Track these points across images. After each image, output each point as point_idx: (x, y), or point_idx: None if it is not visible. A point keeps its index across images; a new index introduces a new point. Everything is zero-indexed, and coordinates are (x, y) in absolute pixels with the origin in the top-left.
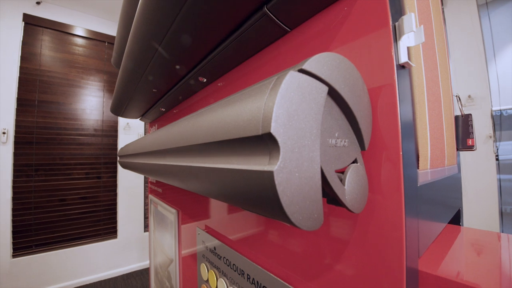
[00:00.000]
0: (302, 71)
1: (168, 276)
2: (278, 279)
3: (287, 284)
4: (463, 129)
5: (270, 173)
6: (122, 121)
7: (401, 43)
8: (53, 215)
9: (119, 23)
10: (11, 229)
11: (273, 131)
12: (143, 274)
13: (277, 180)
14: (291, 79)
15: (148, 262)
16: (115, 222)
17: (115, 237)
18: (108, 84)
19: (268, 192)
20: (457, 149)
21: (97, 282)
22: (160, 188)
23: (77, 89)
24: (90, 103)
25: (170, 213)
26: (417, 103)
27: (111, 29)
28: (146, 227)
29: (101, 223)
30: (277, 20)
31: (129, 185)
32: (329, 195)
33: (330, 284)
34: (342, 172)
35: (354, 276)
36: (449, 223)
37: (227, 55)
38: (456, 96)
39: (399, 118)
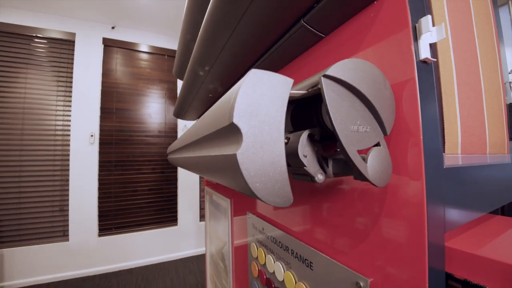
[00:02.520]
0: (326, 76)
1: (222, 257)
2: (317, 251)
3: (324, 255)
4: None
5: (234, 155)
6: (180, 123)
7: (421, 41)
8: (128, 203)
9: (179, 40)
10: (98, 213)
11: (235, 120)
12: (199, 259)
13: (240, 160)
14: (253, 76)
15: (203, 248)
16: (176, 211)
17: (176, 224)
18: (168, 92)
19: (236, 172)
20: (511, 139)
21: (161, 263)
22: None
23: (144, 97)
24: (155, 108)
25: (224, 201)
26: (445, 93)
27: (169, 43)
28: (201, 217)
29: (164, 212)
30: (313, 30)
31: (187, 180)
32: (355, 171)
33: (368, 255)
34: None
35: (382, 244)
36: (502, 214)
37: (270, 62)
38: (510, 83)
39: (419, 108)
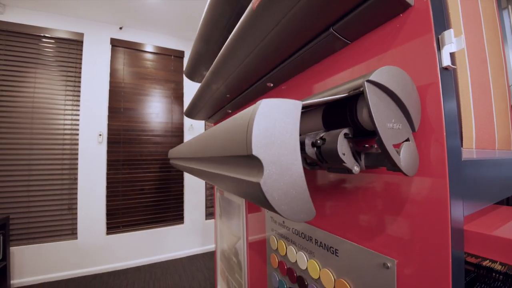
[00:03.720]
0: (369, 81)
1: (235, 252)
2: (343, 239)
3: (351, 242)
4: None
5: (258, 184)
6: (186, 123)
7: (443, 51)
8: (135, 201)
9: (194, 44)
10: (106, 212)
11: (254, 152)
12: (205, 256)
13: (264, 188)
14: (264, 107)
15: (209, 246)
16: (182, 210)
17: (182, 222)
18: (174, 92)
19: (260, 197)
20: None
21: (168, 261)
22: None
23: (150, 97)
24: (161, 108)
25: (237, 198)
26: (462, 96)
27: (175, 43)
28: (207, 216)
29: (171, 210)
30: (340, 37)
31: (193, 179)
32: (389, 163)
33: (394, 239)
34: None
35: (407, 229)
36: (507, 205)
37: (293, 65)
38: None
39: (442, 108)
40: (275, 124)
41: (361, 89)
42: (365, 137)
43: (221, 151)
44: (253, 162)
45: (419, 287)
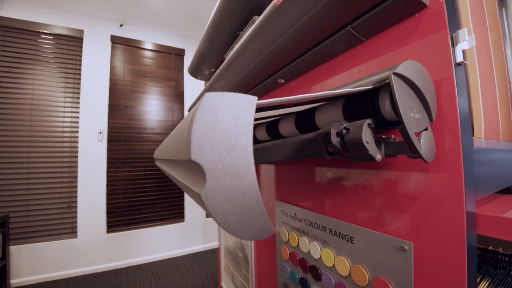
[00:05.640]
0: (396, 74)
1: (242, 247)
2: (359, 226)
3: (367, 229)
4: None
5: (199, 196)
6: None
7: (457, 48)
8: (136, 200)
9: (200, 43)
10: (106, 210)
11: (193, 157)
12: (206, 254)
13: (206, 201)
14: (207, 102)
15: (210, 244)
16: (183, 208)
17: (183, 220)
18: (175, 90)
19: (206, 210)
20: None
21: (169, 259)
22: None
23: (151, 95)
24: (161, 106)
25: None
26: (472, 89)
27: (175, 41)
28: (207, 214)
29: (171, 208)
30: (357, 34)
31: None
32: (410, 151)
33: (410, 224)
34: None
35: (424, 213)
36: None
37: (306, 61)
38: None
39: (456, 100)
40: (221, 123)
41: (387, 81)
42: (384, 127)
43: (173, 154)
44: (197, 169)
45: (436, 267)
